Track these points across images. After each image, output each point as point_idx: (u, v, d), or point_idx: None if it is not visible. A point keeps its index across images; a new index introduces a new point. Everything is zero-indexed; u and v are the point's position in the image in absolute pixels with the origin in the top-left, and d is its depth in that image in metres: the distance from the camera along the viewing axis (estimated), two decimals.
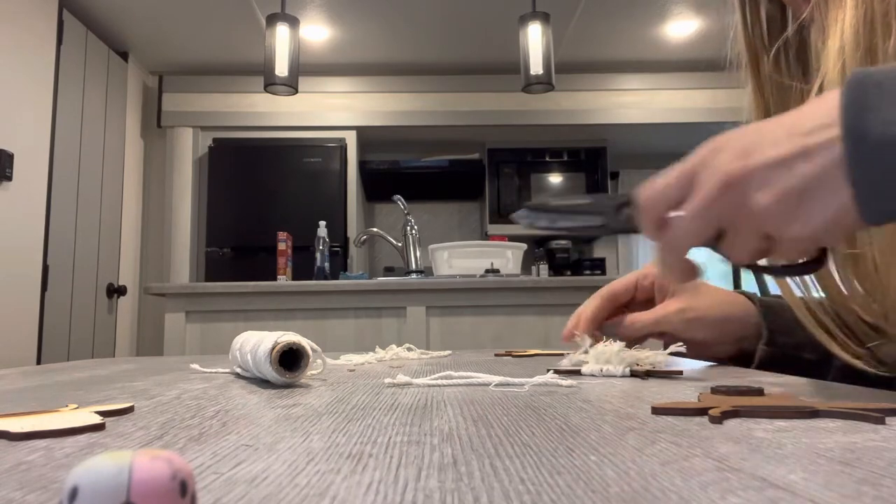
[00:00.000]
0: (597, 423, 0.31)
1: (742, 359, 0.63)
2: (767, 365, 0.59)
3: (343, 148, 3.58)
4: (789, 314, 0.56)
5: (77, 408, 0.37)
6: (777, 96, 0.54)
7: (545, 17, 2.45)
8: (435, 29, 3.27)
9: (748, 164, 0.34)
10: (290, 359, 0.50)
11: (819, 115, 0.33)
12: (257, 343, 0.52)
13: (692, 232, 0.37)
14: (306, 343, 0.50)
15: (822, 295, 0.52)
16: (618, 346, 0.55)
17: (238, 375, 0.60)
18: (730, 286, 2.72)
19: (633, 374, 0.52)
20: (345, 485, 0.20)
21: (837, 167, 0.32)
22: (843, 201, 0.32)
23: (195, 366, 0.71)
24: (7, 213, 2.45)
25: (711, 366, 0.64)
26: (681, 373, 0.54)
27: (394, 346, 0.85)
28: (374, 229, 2.60)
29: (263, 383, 0.52)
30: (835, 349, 0.50)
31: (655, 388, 0.46)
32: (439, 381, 0.48)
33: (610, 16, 3.17)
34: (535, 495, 0.19)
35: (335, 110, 3.70)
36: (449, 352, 0.90)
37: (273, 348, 0.49)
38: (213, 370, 0.65)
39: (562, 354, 0.85)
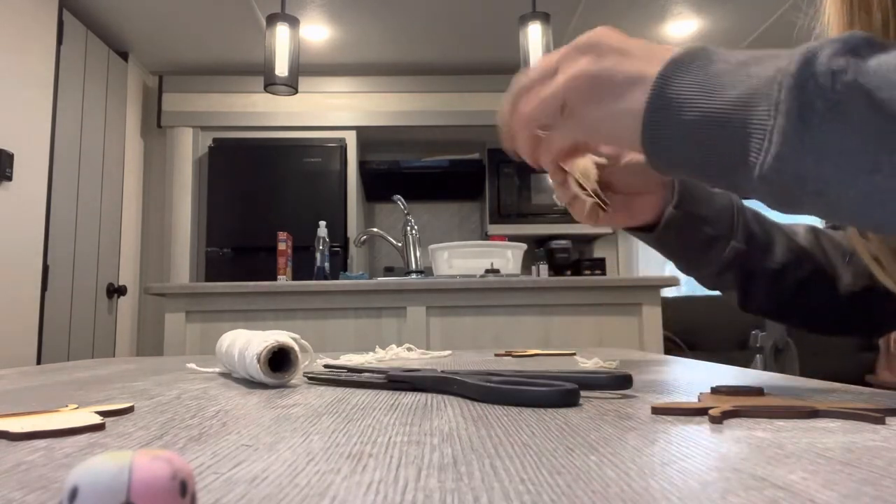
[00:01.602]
0: (597, 423, 0.31)
1: (653, 228, 0.61)
2: (671, 228, 0.59)
3: (343, 148, 3.58)
4: (703, 190, 0.60)
5: (77, 408, 0.37)
6: None
7: (545, 17, 2.45)
8: (435, 29, 3.27)
9: (600, 34, 0.42)
10: (279, 358, 0.50)
11: (661, 54, 0.39)
12: (244, 346, 0.52)
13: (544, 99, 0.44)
14: (292, 341, 0.50)
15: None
16: (588, 160, 0.54)
17: (229, 376, 0.60)
18: None
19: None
20: (345, 485, 0.20)
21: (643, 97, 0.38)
22: (634, 115, 0.38)
23: (192, 365, 0.71)
24: (7, 213, 2.45)
25: (711, 366, 0.64)
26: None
27: (394, 346, 0.85)
28: (374, 229, 2.60)
29: (261, 383, 0.52)
30: (880, 275, 0.52)
31: (655, 388, 0.46)
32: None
33: (610, 16, 3.17)
34: (535, 495, 0.19)
35: (335, 110, 3.69)
36: (449, 352, 0.90)
37: (261, 353, 0.48)
38: (211, 370, 0.65)
39: (561, 355, 0.85)
